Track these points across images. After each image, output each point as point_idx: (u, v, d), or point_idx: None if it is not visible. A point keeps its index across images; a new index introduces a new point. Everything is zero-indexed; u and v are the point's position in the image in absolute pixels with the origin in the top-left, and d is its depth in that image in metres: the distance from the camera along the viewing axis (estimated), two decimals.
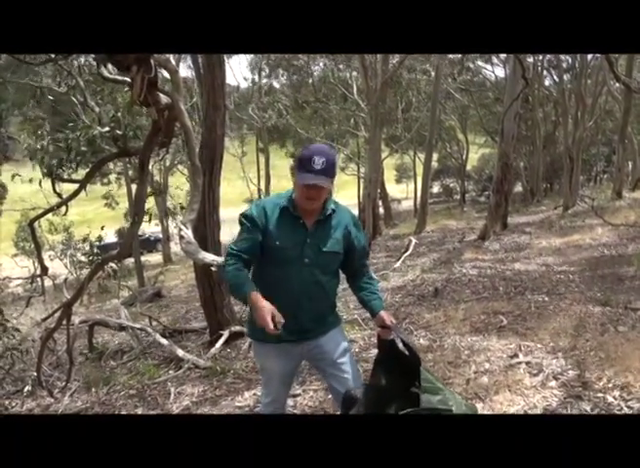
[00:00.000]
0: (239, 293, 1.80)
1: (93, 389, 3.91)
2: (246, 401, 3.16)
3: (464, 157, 25.55)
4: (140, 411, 3.31)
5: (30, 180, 4.17)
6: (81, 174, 4.20)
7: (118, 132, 3.91)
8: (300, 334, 1.92)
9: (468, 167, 27.67)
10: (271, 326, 1.62)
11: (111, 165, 14.61)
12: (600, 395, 2.53)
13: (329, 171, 1.74)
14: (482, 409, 2.53)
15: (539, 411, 2.45)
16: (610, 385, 2.61)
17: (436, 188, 31.18)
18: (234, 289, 1.82)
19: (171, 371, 3.99)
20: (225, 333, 4.41)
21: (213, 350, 4.22)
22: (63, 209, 4.20)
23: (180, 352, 4.20)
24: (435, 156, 23.78)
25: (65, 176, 4.27)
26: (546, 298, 4.45)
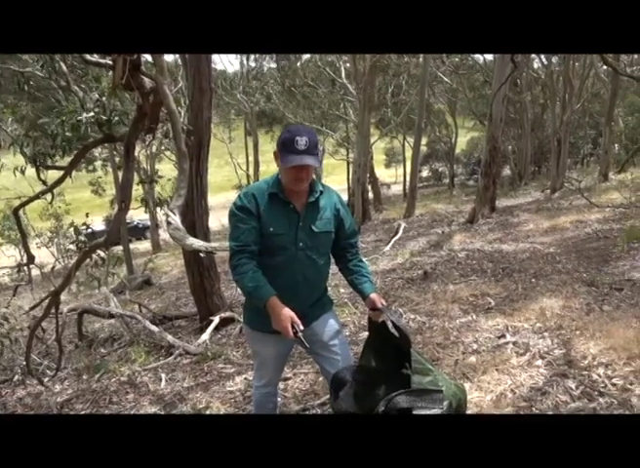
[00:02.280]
0: (257, 299, 1.76)
1: (84, 376, 3.91)
2: (237, 385, 3.18)
3: (453, 141, 25.57)
4: (130, 397, 3.32)
5: (16, 168, 4.08)
6: (66, 160, 4.13)
7: (103, 117, 3.83)
8: (302, 320, 1.93)
9: (457, 150, 27.73)
10: (291, 334, 1.66)
11: (97, 152, 14.39)
12: (585, 373, 2.59)
13: (313, 149, 1.74)
14: (470, 388, 2.57)
15: (525, 390, 2.50)
16: (595, 363, 2.67)
17: (425, 172, 31.24)
18: (252, 292, 1.76)
19: (161, 358, 4.00)
20: (216, 319, 4.42)
21: (203, 336, 4.23)
22: (49, 196, 4.14)
23: (171, 338, 4.20)
24: (424, 140, 23.77)
25: (50, 163, 4.19)
26: (533, 280, 4.51)
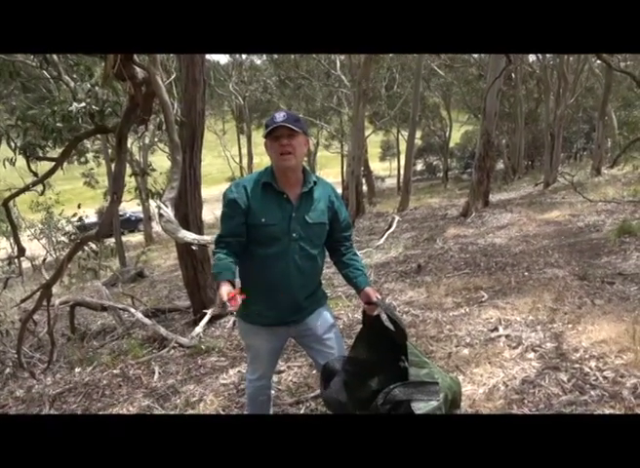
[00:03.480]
0: (216, 281, 1.80)
1: (76, 369, 3.89)
2: (230, 378, 3.18)
3: (448, 134, 25.59)
4: (124, 390, 3.31)
5: (6, 160, 4.02)
6: (58, 152, 4.08)
7: (94, 108, 3.78)
8: (296, 314, 1.93)
9: (451, 144, 27.76)
10: (224, 297, 1.64)
11: (89, 144, 14.23)
12: (577, 366, 2.61)
13: (290, 121, 1.75)
14: (463, 381, 2.58)
15: (517, 383, 2.52)
16: (586, 356, 2.69)
17: (420, 166, 31.28)
18: (215, 278, 1.80)
19: (154, 351, 3.98)
20: (209, 312, 4.40)
21: (197, 329, 4.21)
22: (40, 188, 4.09)
23: (164, 331, 4.18)
24: (419, 133, 23.75)
25: (41, 154, 4.13)
26: (526, 273, 4.54)
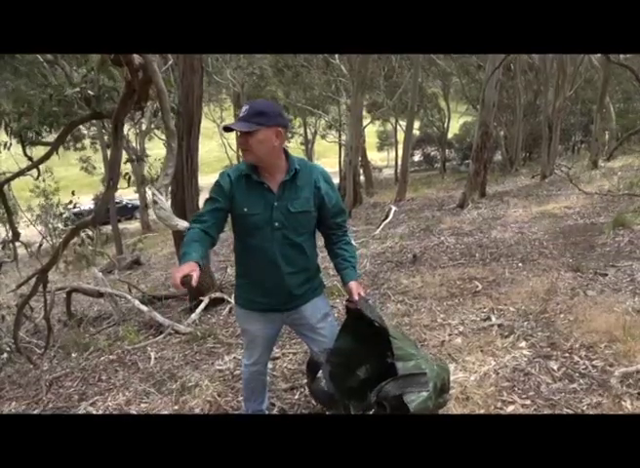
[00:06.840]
0: (181, 261, 1.71)
1: (73, 354, 3.92)
2: (226, 364, 3.21)
3: (446, 125, 25.48)
4: (120, 375, 3.33)
5: (3, 145, 3.99)
6: (54, 137, 4.06)
7: (90, 93, 3.76)
8: (290, 302, 1.94)
9: (450, 135, 27.65)
10: (177, 281, 1.59)
11: (85, 130, 14.14)
12: (567, 355, 2.65)
13: (248, 117, 1.71)
14: (455, 368, 2.62)
15: (508, 371, 2.56)
16: (577, 345, 2.74)
17: (417, 156, 31.18)
18: (181, 258, 1.71)
19: (151, 337, 4.01)
20: (205, 299, 4.43)
21: (193, 316, 4.24)
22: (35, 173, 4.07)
23: (160, 318, 4.21)
24: (417, 124, 23.67)
25: (35, 139, 4.11)
26: (520, 264, 4.57)
